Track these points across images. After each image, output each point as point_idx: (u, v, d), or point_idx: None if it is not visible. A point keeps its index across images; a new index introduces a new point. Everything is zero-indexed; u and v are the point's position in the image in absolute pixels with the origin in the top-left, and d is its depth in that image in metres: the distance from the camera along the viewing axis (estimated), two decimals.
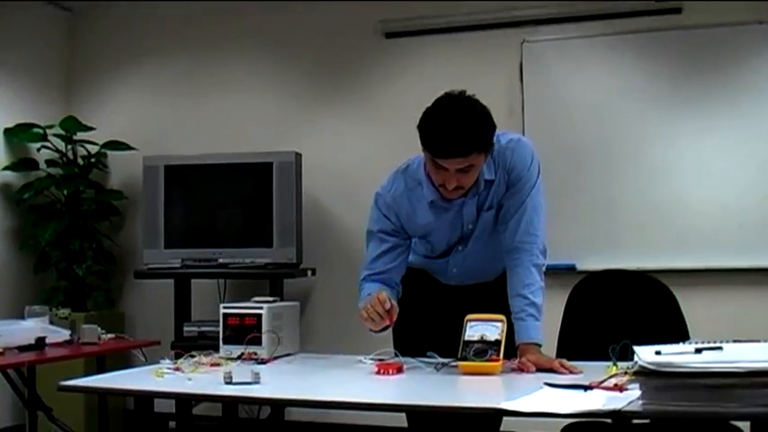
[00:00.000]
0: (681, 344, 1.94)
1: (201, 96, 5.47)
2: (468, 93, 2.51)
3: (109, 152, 5.49)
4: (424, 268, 2.89)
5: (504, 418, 2.24)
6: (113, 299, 5.49)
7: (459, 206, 2.67)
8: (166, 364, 2.57)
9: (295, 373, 2.60)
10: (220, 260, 4.80)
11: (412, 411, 2.62)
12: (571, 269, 4.54)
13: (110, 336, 4.08)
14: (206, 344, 3.67)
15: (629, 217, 4.63)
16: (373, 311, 2.50)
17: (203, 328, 4.76)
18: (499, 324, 2.46)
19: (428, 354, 2.53)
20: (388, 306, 2.49)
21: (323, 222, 5.16)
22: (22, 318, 3.92)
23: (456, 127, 2.42)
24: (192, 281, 5.03)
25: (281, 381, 2.47)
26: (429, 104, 2.52)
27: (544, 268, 2.67)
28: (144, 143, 5.35)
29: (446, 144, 2.43)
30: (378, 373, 2.44)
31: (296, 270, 4.79)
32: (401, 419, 2.79)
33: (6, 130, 5.23)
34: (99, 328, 3.98)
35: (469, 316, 2.50)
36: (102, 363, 4.06)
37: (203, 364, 2.60)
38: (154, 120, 5.54)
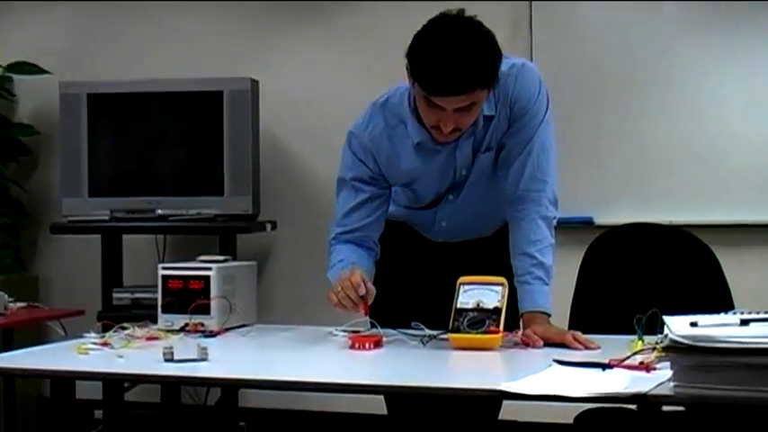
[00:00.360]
0: (723, 314, 1.95)
1: (135, 8, 5.39)
2: (466, 10, 2.49)
3: (15, 76, 5.41)
4: (406, 221, 2.90)
5: (505, 403, 2.25)
6: (24, 259, 5.46)
7: (451, 148, 2.67)
8: (92, 338, 2.56)
9: (251, 349, 2.61)
10: (159, 211, 4.78)
11: (392, 394, 2.64)
12: (588, 223, 4.55)
13: (20, 305, 4.06)
14: (141, 314, 3.64)
15: (660, 160, 4.63)
16: (345, 296, 2.51)
17: (138, 295, 4.75)
18: (499, 288, 2.47)
19: (412, 324, 2.54)
20: (362, 291, 2.50)
21: (285, 166, 5.14)
22: None
23: (457, 59, 2.40)
24: (124, 236, 5.01)
25: (234, 358, 2.48)
26: (416, 22, 2.49)
27: (555, 222, 2.68)
28: (61, 65, 5.28)
29: (445, 79, 2.42)
30: (352, 347, 2.46)
31: (252, 223, 4.78)
32: (379, 404, 2.81)
33: None
34: (6, 296, 3.96)
35: (463, 279, 2.51)
36: (10, 338, 4.05)
37: (138, 337, 2.60)
38: (74, 36, 5.46)
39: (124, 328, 2.65)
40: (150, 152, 4.98)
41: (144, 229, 4.90)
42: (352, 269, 2.57)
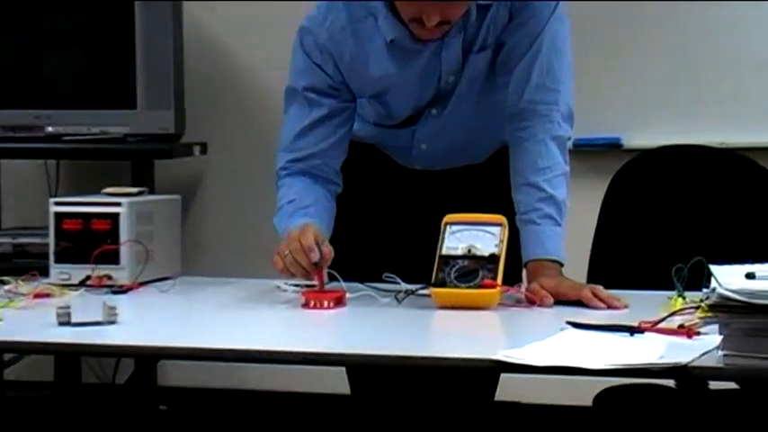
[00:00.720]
0: None
1: None
2: None
3: None
4: (376, 143, 2.91)
5: (504, 378, 2.27)
6: None
7: (435, 48, 2.68)
8: None
9: (174, 308, 2.63)
10: (49, 128, 4.75)
11: (357, 366, 2.66)
12: (614, 145, 4.57)
13: None
14: (26, 264, 3.65)
15: (706, 66, 4.64)
16: (293, 262, 2.51)
17: (21, 240, 4.72)
18: (496, 230, 2.48)
19: (384, 276, 2.55)
20: (315, 257, 2.49)
21: (218, 69, 5.12)
22: None
23: None
24: (2, 162, 4.99)
25: (152, 320, 2.49)
26: None
27: (570, 143, 2.70)
28: None
29: None
30: (306, 306, 2.47)
31: (175, 145, 4.76)
32: (341, 380, 2.83)
33: None
34: None
35: (449, 217, 2.52)
36: None
37: (23, 295, 2.59)
38: None
39: (4, 283, 2.65)
40: (37, 50, 4.94)
41: (30, 152, 4.87)
42: (302, 227, 2.56)
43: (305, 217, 2.62)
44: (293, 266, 2.51)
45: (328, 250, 2.53)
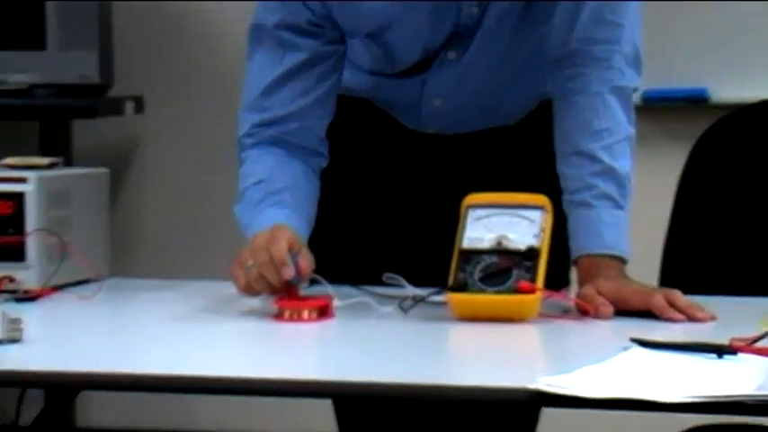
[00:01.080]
0: None
1: None
2: None
3: None
4: (372, 98, 2.93)
5: (546, 413, 2.27)
6: None
7: None
8: None
9: (100, 321, 2.65)
10: None
11: (347, 398, 2.69)
12: (698, 100, 4.58)
13: None
14: None
15: None
16: (259, 278, 2.50)
17: None
18: (537, 215, 2.49)
19: (385, 278, 2.56)
20: (289, 273, 2.48)
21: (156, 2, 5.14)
22: None
23: None
24: None
25: (69, 338, 2.49)
26: None
27: (636, 97, 2.72)
28: None
29: None
30: (280, 317, 2.48)
31: (100, 100, 4.77)
32: (325, 416, 2.84)
33: None
34: None
35: (472, 198, 2.53)
36: None
37: None
38: None
39: None
40: None
41: None
42: (273, 230, 2.55)
43: (276, 207, 2.62)
44: (259, 284, 2.49)
45: (306, 263, 2.51)
